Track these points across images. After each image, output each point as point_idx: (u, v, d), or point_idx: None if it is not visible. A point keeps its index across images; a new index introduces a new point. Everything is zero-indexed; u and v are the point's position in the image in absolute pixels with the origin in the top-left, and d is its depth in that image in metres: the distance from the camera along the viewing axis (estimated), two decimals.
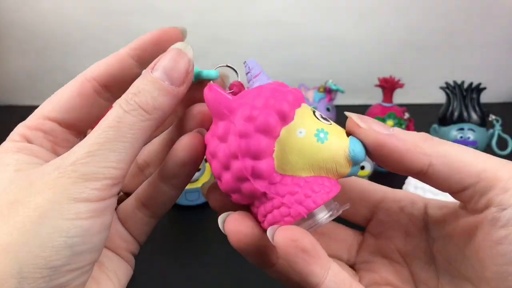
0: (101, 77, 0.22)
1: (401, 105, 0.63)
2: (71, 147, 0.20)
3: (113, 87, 0.22)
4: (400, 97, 0.65)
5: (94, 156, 0.18)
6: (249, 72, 0.22)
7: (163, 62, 0.20)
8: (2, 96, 0.90)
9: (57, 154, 0.21)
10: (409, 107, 0.63)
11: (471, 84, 0.59)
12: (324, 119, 0.21)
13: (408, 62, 0.86)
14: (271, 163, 0.19)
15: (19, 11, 0.83)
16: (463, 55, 0.87)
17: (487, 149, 0.59)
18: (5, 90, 0.89)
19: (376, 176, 0.55)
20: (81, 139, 0.22)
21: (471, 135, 0.58)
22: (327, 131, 0.20)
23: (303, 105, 0.21)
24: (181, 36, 0.23)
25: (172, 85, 0.20)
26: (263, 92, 0.20)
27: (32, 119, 0.21)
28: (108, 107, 0.22)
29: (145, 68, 0.21)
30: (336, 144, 0.20)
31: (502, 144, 0.58)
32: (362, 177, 0.51)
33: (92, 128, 0.21)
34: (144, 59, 0.23)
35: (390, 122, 0.60)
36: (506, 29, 0.85)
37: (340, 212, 0.20)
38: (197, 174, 0.54)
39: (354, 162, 0.20)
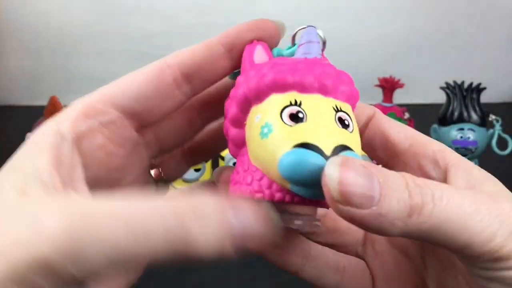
0: (184, 65, 0.18)
1: (401, 105, 0.63)
2: (125, 144, 0.18)
3: (196, 79, 0.19)
4: (400, 97, 0.65)
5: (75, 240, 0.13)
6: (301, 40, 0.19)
7: (248, 215, 0.14)
8: (2, 96, 0.90)
9: (106, 153, 0.18)
10: (409, 107, 0.63)
11: (471, 84, 0.59)
12: (343, 124, 0.16)
13: (408, 62, 0.86)
14: (238, 133, 0.17)
15: (20, 11, 0.83)
16: (463, 55, 0.87)
17: (487, 149, 0.59)
18: (5, 90, 0.89)
19: None
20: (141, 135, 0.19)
21: (471, 135, 0.58)
22: (274, 129, 0.16)
23: (318, 96, 0.16)
24: (277, 32, 0.19)
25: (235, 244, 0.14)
26: (274, 63, 0.17)
27: (94, 103, 0.17)
28: (183, 101, 0.19)
29: (237, 62, 0.18)
30: (272, 147, 0.15)
31: (502, 144, 0.58)
32: None
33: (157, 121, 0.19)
34: (237, 50, 0.19)
35: None
36: (506, 29, 0.85)
37: (297, 226, 0.17)
38: (197, 174, 0.54)
39: (288, 180, 0.15)
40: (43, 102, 0.60)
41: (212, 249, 0.14)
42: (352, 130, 0.16)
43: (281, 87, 0.17)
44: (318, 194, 0.15)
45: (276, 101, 0.16)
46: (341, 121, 0.16)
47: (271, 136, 0.16)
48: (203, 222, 0.14)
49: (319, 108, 0.16)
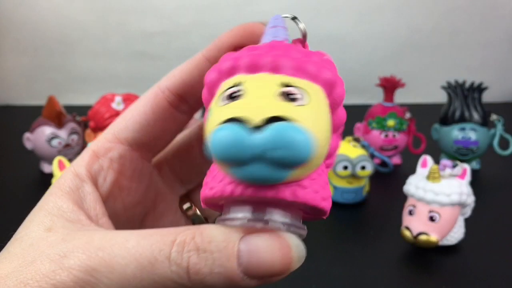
0: (176, 86, 0.19)
1: (402, 105, 0.62)
2: (137, 177, 0.19)
3: (190, 97, 0.19)
4: (401, 96, 0.65)
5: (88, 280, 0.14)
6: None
7: (260, 249, 0.14)
8: (0, 96, 0.89)
9: (119, 187, 0.18)
10: (410, 107, 0.63)
11: (472, 83, 0.58)
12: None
13: (409, 62, 0.86)
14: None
15: (18, 11, 0.83)
16: (464, 54, 0.86)
17: (489, 149, 0.58)
18: (3, 90, 0.89)
19: (377, 177, 0.55)
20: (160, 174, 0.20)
21: (472, 135, 0.57)
22: (211, 113, 0.15)
23: (264, 74, 0.15)
24: (258, 34, 0.19)
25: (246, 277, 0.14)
26: (234, 53, 0.17)
27: (103, 142, 0.18)
28: (185, 120, 0.19)
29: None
30: (207, 132, 0.14)
31: (504, 144, 0.58)
32: (362, 177, 0.50)
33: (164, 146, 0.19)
34: None
35: (391, 121, 0.59)
36: (507, 29, 0.85)
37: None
38: None
39: (220, 162, 0.14)
40: (41, 101, 0.59)
41: (218, 279, 0.14)
42: (304, 104, 0.15)
43: (230, 72, 0.16)
44: (257, 173, 0.13)
45: (222, 87, 0.16)
46: (285, 95, 0.15)
47: (208, 122, 0.15)
48: (205, 252, 0.14)
49: (260, 85, 0.15)
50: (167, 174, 0.21)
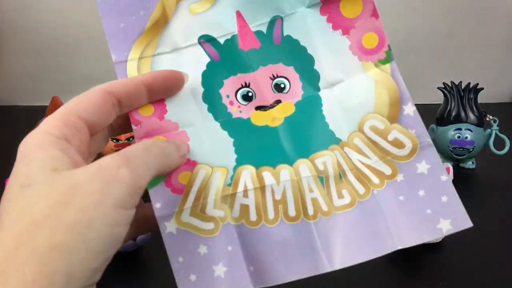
0: (118, 93, 0.25)
1: None
2: (87, 147, 0.24)
3: (123, 105, 0.26)
4: None
5: (133, 168, 0.21)
6: None
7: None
8: (3, 96, 0.90)
9: (80, 152, 0.23)
10: None
11: (468, 84, 0.59)
12: None
13: (405, 62, 0.86)
14: None
15: (21, 12, 0.84)
16: (461, 56, 0.87)
17: (485, 149, 0.59)
18: (6, 91, 0.90)
19: None
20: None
21: (468, 135, 0.58)
22: None
23: None
24: (182, 79, 0.28)
25: None
26: None
27: (68, 117, 0.23)
28: (114, 119, 0.26)
29: (151, 97, 0.27)
30: None
31: (499, 144, 0.59)
32: None
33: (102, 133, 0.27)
34: (154, 90, 0.27)
35: None
36: (504, 30, 0.86)
37: None
38: None
39: None
40: (45, 102, 0.60)
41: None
42: None
43: None
44: None
45: None
46: None
47: None
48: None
49: None
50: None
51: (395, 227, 0.27)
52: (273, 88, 0.29)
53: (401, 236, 0.27)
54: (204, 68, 0.29)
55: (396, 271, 0.41)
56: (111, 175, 0.20)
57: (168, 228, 0.26)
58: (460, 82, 0.60)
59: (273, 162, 0.28)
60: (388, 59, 0.29)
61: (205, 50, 0.29)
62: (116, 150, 0.57)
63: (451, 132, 0.59)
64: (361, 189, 0.28)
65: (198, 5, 0.29)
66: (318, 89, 0.29)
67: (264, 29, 0.29)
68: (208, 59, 0.29)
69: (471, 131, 0.58)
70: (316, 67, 0.29)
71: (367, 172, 0.28)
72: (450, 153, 0.59)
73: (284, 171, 0.28)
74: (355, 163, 0.28)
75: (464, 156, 0.59)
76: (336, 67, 0.29)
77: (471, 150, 0.58)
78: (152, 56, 0.29)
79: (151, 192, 0.27)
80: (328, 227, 0.27)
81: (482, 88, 0.59)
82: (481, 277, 0.40)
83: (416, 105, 0.29)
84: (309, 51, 0.29)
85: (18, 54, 0.87)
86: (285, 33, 0.29)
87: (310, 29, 0.29)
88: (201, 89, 0.29)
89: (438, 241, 0.43)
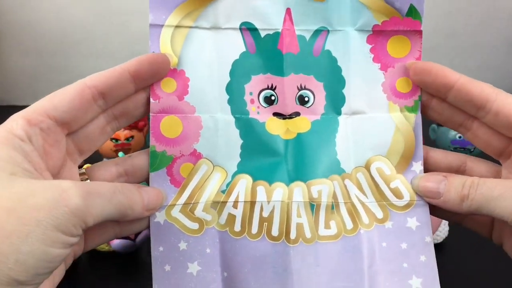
0: (100, 85, 0.24)
1: None
2: (59, 147, 0.23)
3: (108, 97, 0.25)
4: None
5: (88, 204, 0.20)
6: None
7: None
8: (2, 96, 0.90)
9: (45, 152, 0.23)
10: None
11: None
12: None
13: None
14: None
15: (20, 12, 0.83)
16: (462, 56, 0.87)
17: None
18: (5, 90, 0.90)
19: None
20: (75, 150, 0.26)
21: None
22: None
23: None
24: (168, 62, 0.27)
25: None
26: None
27: (34, 115, 0.23)
28: (100, 113, 0.25)
29: (139, 85, 0.26)
30: None
31: None
32: None
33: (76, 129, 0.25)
34: (140, 76, 0.26)
35: None
36: (505, 31, 0.86)
37: None
38: None
39: None
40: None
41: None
42: None
43: None
44: None
45: None
46: None
47: None
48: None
49: None
50: (71, 146, 0.26)
51: (370, 271, 0.28)
52: (297, 99, 0.29)
53: (372, 280, 0.28)
54: (237, 57, 0.28)
55: None
56: (63, 199, 0.19)
57: (157, 217, 0.27)
58: None
59: (271, 177, 0.28)
60: (415, 108, 0.29)
61: (243, 38, 0.28)
62: (115, 151, 0.57)
63: (452, 132, 0.59)
64: (349, 224, 0.28)
65: None
66: (339, 113, 0.29)
67: (307, 36, 0.28)
68: (243, 49, 0.28)
69: None
70: (344, 90, 0.29)
71: (360, 209, 0.28)
72: None
73: (279, 190, 0.28)
74: (352, 197, 0.28)
75: None
76: (363, 98, 0.29)
77: (472, 150, 0.58)
78: (190, 28, 0.27)
79: (152, 175, 0.27)
80: (306, 254, 0.27)
81: None
82: (481, 277, 0.40)
83: None
84: (343, 73, 0.29)
85: (17, 53, 0.87)
86: (326, 47, 0.28)
87: (351, 52, 0.28)
88: (228, 79, 0.28)
89: (438, 241, 0.43)
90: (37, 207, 0.19)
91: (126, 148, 0.57)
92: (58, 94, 0.24)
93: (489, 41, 0.86)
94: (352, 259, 0.28)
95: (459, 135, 0.58)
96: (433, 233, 0.41)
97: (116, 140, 0.57)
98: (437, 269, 0.28)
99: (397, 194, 0.28)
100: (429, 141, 0.62)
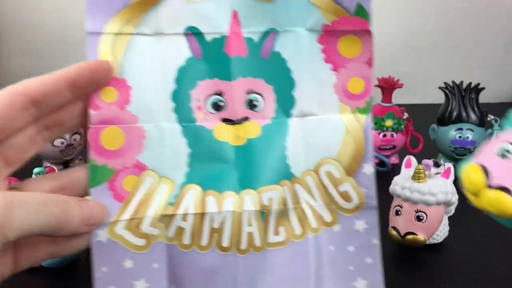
0: (33, 93, 0.23)
1: (400, 105, 0.63)
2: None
3: (42, 105, 0.23)
4: (399, 97, 0.66)
5: (8, 215, 0.19)
6: None
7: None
8: None
9: None
10: (408, 107, 0.63)
11: (469, 84, 0.59)
12: None
13: (407, 63, 0.86)
14: None
15: (20, 12, 0.83)
16: (461, 55, 0.87)
17: None
18: None
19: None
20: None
21: (469, 135, 0.58)
22: None
23: None
24: (110, 70, 0.25)
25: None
26: None
27: None
28: (31, 122, 0.24)
29: (76, 94, 0.24)
30: None
31: None
32: None
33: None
34: (79, 84, 0.24)
35: (389, 122, 0.60)
36: (505, 30, 0.86)
37: None
38: None
39: None
40: None
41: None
42: None
43: None
44: None
45: None
46: None
47: None
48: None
49: None
50: None
51: (316, 275, 0.28)
52: (246, 103, 0.28)
53: (319, 284, 0.28)
54: (183, 63, 0.27)
55: (396, 271, 0.40)
56: None
57: (100, 236, 0.26)
58: (461, 82, 0.60)
59: (221, 186, 0.27)
60: (366, 110, 0.29)
61: (189, 43, 0.27)
62: None
63: (452, 132, 0.59)
64: (298, 230, 0.28)
65: None
66: (290, 116, 0.28)
67: (256, 38, 0.27)
68: (189, 54, 0.27)
69: (473, 131, 0.58)
70: (294, 93, 0.28)
71: (309, 213, 0.28)
72: (451, 153, 0.59)
73: (229, 199, 0.27)
74: (301, 202, 0.28)
75: (466, 156, 0.59)
76: (314, 99, 0.28)
77: (472, 150, 0.58)
78: (131, 35, 0.26)
79: (92, 191, 0.26)
80: (255, 263, 0.27)
81: (483, 88, 0.59)
82: (482, 277, 0.40)
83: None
84: (293, 74, 0.28)
85: (17, 54, 0.87)
86: (276, 49, 0.27)
87: (302, 52, 0.28)
88: (173, 86, 0.27)
89: (438, 241, 0.43)
90: None
91: None
92: None
93: (487, 40, 0.86)
94: (300, 264, 0.28)
95: (459, 135, 0.58)
96: (433, 233, 0.41)
97: None
98: (382, 271, 0.28)
99: (346, 197, 0.28)
100: (429, 140, 0.62)
